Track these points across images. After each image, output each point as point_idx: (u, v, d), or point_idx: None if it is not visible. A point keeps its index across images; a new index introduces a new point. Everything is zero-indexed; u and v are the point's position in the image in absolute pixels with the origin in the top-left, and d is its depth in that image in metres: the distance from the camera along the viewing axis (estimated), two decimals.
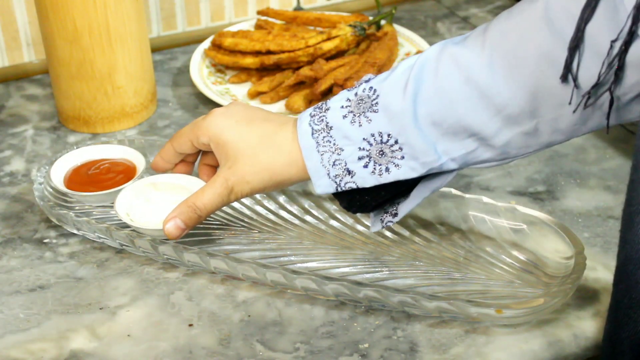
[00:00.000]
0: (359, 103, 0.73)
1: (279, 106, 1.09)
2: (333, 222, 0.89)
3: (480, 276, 0.82)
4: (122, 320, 0.79)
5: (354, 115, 0.73)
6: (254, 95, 1.11)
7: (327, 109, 0.74)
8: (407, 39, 1.21)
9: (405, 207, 0.77)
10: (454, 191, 0.89)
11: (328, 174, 0.74)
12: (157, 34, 1.27)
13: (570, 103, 0.68)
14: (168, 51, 1.24)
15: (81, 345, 0.76)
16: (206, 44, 1.19)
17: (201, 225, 0.88)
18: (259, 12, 1.24)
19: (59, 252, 0.87)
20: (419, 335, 0.77)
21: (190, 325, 0.78)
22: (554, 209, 0.92)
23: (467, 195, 0.88)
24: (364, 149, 0.73)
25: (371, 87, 0.73)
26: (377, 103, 0.72)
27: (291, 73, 1.12)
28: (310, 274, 0.78)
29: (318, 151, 0.74)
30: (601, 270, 0.84)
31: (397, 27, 1.23)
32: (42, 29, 1.02)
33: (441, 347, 0.76)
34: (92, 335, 0.77)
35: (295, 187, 0.94)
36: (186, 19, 1.27)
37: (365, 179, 0.74)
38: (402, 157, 0.73)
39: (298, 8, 1.33)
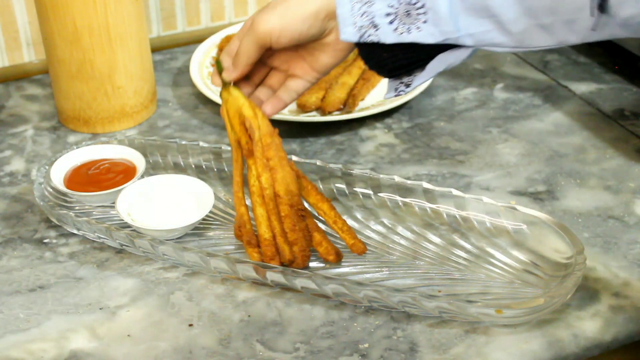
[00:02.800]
0: None
1: (291, 104, 1.09)
2: None
3: (480, 276, 0.82)
4: (122, 320, 0.79)
5: None
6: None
7: None
8: None
9: (419, 79, 0.81)
10: (454, 191, 0.89)
11: (355, 23, 0.78)
12: (157, 34, 1.27)
13: (591, 14, 0.71)
14: (168, 51, 1.24)
15: (81, 345, 0.76)
16: (206, 44, 1.19)
17: (201, 225, 0.88)
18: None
19: (59, 252, 0.87)
20: (419, 335, 0.77)
21: (190, 325, 0.78)
22: (554, 209, 0.92)
23: (467, 195, 0.88)
24: (392, 5, 0.77)
25: None
26: None
27: None
28: (310, 274, 0.78)
29: (350, 0, 0.77)
30: (601, 270, 0.84)
31: None
32: (42, 29, 1.02)
33: (441, 347, 0.76)
34: (92, 335, 0.77)
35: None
36: (186, 19, 1.27)
37: (388, 35, 0.77)
38: (425, 22, 0.76)
39: None
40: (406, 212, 0.90)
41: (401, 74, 0.82)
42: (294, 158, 0.93)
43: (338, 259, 0.84)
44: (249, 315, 0.79)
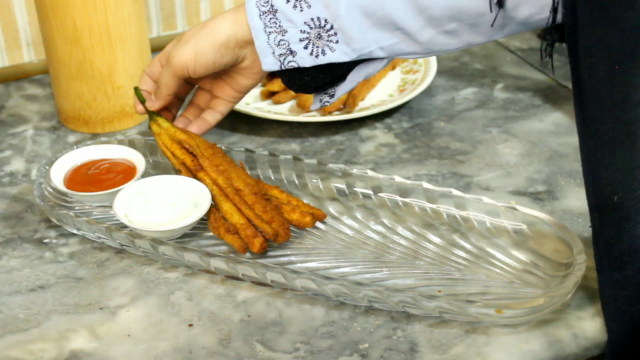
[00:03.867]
0: None
1: (291, 104, 1.10)
2: (333, 222, 0.89)
3: (480, 276, 0.82)
4: (122, 320, 0.79)
5: (296, 0, 0.80)
6: (267, 95, 1.11)
7: None
8: None
9: (341, 90, 0.85)
10: (454, 191, 0.89)
11: (273, 53, 0.82)
12: (157, 34, 1.27)
13: (490, 11, 0.76)
14: None
15: (81, 345, 0.76)
16: None
17: (200, 225, 0.88)
18: None
19: (59, 252, 0.87)
20: (419, 335, 0.77)
21: (190, 325, 0.78)
22: (554, 209, 0.92)
23: (467, 195, 0.88)
24: (304, 31, 0.81)
25: None
26: None
27: None
28: (310, 274, 0.78)
29: (265, 31, 0.81)
30: None
31: None
32: (42, 29, 1.02)
33: (441, 347, 0.76)
34: (92, 335, 0.77)
35: (294, 188, 0.94)
36: (186, 19, 1.27)
37: (305, 59, 0.82)
38: (337, 42, 0.80)
39: None
40: (406, 212, 0.90)
41: (325, 88, 0.86)
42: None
43: (314, 219, 0.87)
44: (249, 315, 0.79)
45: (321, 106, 0.87)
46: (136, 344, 0.76)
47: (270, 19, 0.81)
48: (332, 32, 0.80)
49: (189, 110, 0.93)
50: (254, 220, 0.84)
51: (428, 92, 1.15)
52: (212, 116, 0.92)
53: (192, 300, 0.81)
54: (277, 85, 1.11)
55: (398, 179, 0.91)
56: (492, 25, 0.77)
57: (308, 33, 0.80)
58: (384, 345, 0.76)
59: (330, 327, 0.78)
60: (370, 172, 0.92)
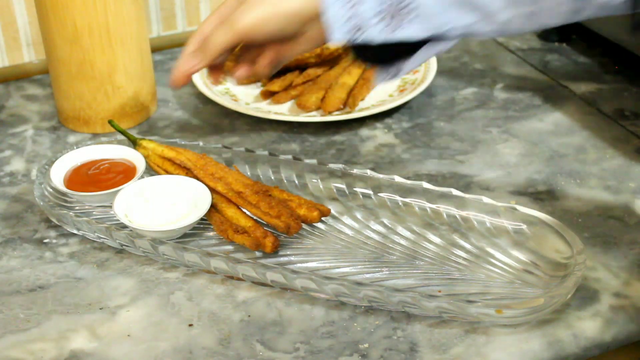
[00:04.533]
0: None
1: (291, 104, 1.10)
2: (333, 222, 0.89)
3: (480, 276, 0.82)
4: (122, 320, 0.79)
5: None
6: (267, 95, 1.12)
7: None
8: None
9: (409, 65, 0.82)
10: (454, 191, 0.89)
11: (344, 25, 0.78)
12: (157, 34, 1.27)
13: None
14: (168, 51, 1.24)
15: (81, 345, 0.76)
16: None
17: (200, 225, 0.88)
18: None
19: (59, 252, 0.87)
20: (419, 335, 0.77)
21: (190, 325, 0.78)
22: (554, 209, 0.92)
23: (467, 195, 0.88)
24: (382, 3, 0.77)
25: None
26: None
27: (299, 73, 1.13)
28: (310, 274, 0.78)
29: (337, 3, 0.78)
30: (601, 270, 0.84)
31: None
32: (42, 29, 1.02)
33: (441, 347, 0.76)
34: (92, 335, 0.77)
35: (294, 189, 0.94)
36: (186, 19, 1.27)
37: (377, 34, 0.78)
38: (413, 19, 0.77)
39: None
40: (406, 212, 0.90)
41: (390, 64, 0.83)
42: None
43: (322, 214, 0.87)
44: (249, 315, 0.79)
45: (385, 81, 0.84)
46: (136, 344, 0.76)
47: None
48: (409, 7, 0.77)
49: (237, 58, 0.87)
50: (263, 218, 0.84)
51: (428, 92, 1.15)
52: (263, 66, 0.86)
53: (192, 300, 0.81)
54: (277, 85, 1.11)
55: (398, 179, 0.91)
56: (575, 12, 0.75)
57: (385, 8, 0.77)
58: (384, 345, 0.76)
59: (330, 327, 0.78)
60: (370, 172, 0.92)
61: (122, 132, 0.93)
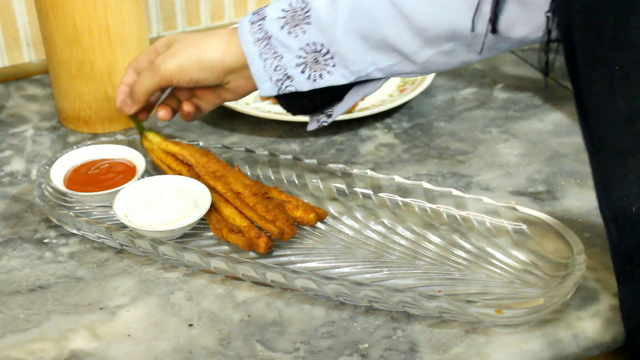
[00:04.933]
0: (293, 15, 0.80)
1: None
2: (333, 222, 0.89)
3: (480, 276, 0.82)
4: (122, 320, 0.79)
5: (290, 26, 0.80)
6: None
7: (264, 18, 0.81)
8: None
9: (338, 110, 0.85)
10: (454, 191, 0.89)
11: (270, 79, 0.82)
12: (157, 34, 1.27)
13: (485, 37, 0.77)
14: None
15: (81, 345, 0.76)
16: None
17: (200, 225, 0.88)
18: None
19: (59, 252, 0.87)
20: (419, 335, 0.77)
21: (190, 325, 0.78)
22: (554, 209, 0.92)
23: (467, 195, 0.88)
24: (300, 56, 0.80)
25: (303, 0, 0.80)
26: (309, 15, 0.79)
27: None
28: (310, 274, 0.78)
29: (261, 58, 0.81)
30: (601, 270, 0.84)
31: None
32: (42, 29, 1.02)
33: (441, 347, 0.76)
34: (92, 335, 0.77)
35: (294, 189, 0.94)
36: (186, 19, 1.27)
37: (302, 83, 0.81)
38: (334, 65, 0.80)
39: None
40: (406, 212, 0.90)
41: (322, 109, 0.86)
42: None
43: (318, 217, 0.87)
44: (249, 315, 0.79)
45: (318, 126, 0.86)
46: (136, 344, 0.76)
47: (266, 45, 0.81)
48: (328, 56, 0.80)
49: (170, 99, 0.92)
50: (257, 222, 0.84)
51: (428, 92, 1.15)
52: (189, 106, 0.91)
53: (192, 300, 0.81)
54: None
55: (398, 179, 0.91)
56: (482, 49, 0.78)
57: (304, 58, 0.80)
58: (384, 345, 0.76)
59: (330, 327, 0.78)
60: (370, 172, 0.92)
61: (135, 121, 0.92)
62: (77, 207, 0.91)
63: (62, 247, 0.88)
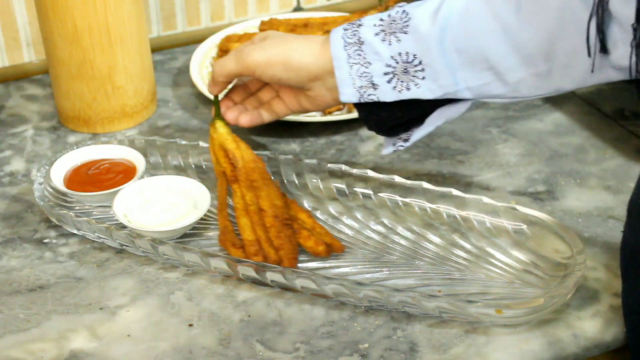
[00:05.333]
0: (391, 24, 0.78)
1: None
2: (333, 223, 0.89)
3: (480, 276, 0.82)
4: (122, 320, 0.79)
5: (385, 34, 0.78)
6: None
7: (360, 25, 0.80)
8: None
9: (418, 134, 0.83)
10: (454, 191, 0.89)
11: (354, 84, 0.80)
12: (157, 34, 1.27)
13: (589, 55, 0.73)
14: (168, 51, 1.24)
15: (81, 345, 0.76)
16: (206, 44, 1.19)
17: (200, 225, 0.88)
18: (261, 27, 1.23)
19: (59, 252, 0.87)
20: (419, 335, 0.77)
21: (190, 325, 0.78)
22: (554, 209, 0.92)
23: (467, 195, 0.88)
24: (390, 65, 0.79)
25: (404, 11, 0.78)
26: (407, 25, 0.78)
27: None
28: (310, 274, 0.78)
29: (348, 63, 0.79)
30: (601, 270, 0.84)
31: None
32: (42, 29, 1.02)
33: (441, 347, 0.76)
34: (92, 335, 0.77)
35: (295, 189, 0.94)
36: (186, 19, 1.27)
37: (387, 93, 0.80)
38: (423, 78, 0.78)
39: (298, 8, 1.33)
40: (406, 212, 0.90)
41: (399, 131, 0.84)
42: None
43: (328, 250, 0.85)
44: (249, 315, 0.79)
45: (394, 151, 0.85)
46: (136, 344, 0.76)
47: (355, 50, 0.79)
48: (419, 67, 0.78)
49: (251, 100, 0.90)
50: (262, 243, 0.83)
51: None
52: (269, 114, 0.89)
53: (192, 300, 0.81)
54: None
55: (398, 179, 0.91)
56: (592, 68, 0.74)
57: (394, 67, 0.78)
58: (384, 345, 0.76)
59: (330, 327, 0.78)
60: (370, 172, 0.92)
61: (216, 104, 0.91)
62: (77, 207, 0.91)
63: (62, 247, 0.88)
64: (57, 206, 0.90)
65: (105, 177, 0.91)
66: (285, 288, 0.81)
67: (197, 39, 1.25)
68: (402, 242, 0.87)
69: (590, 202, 0.93)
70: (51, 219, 0.89)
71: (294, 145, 1.04)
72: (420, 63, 0.78)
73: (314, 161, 0.94)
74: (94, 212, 0.91)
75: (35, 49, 1.20)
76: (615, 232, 0.88)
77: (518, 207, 0.86)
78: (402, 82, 0.79)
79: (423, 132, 0.83)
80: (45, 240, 0.89)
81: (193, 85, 1.15)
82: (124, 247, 0.85)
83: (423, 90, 0.79)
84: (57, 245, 0.88)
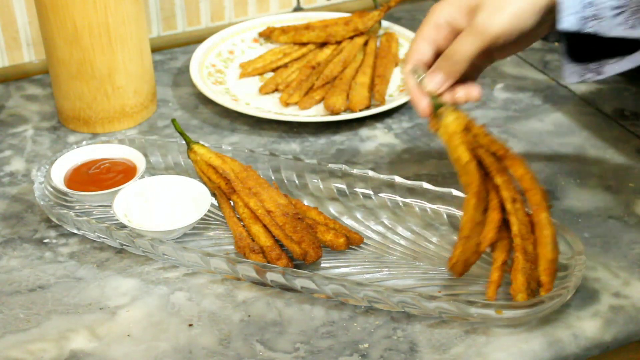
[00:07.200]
0: None
1: (318, 108, 1.09)
2: None
3: (480, 276, 0.82)
4: (122, 320, 0.79)
5: None
6: (286, 105, 1.10)
7: None
8: (407, 39, 1.21)
9: (614, 68, 0.78)
10: (454, 191, 0.89)
11: (577, 12, 0.75)
12: (157, 34, 1.27)
13: None
14: (168, 51, 1.24)
15: (81, 345, 0.76)
16: (206, 44, 1.20)
17: (201, 225, 0.88)
18: (260, 34, 1.23)
19: (59, 252, 0.87)
20: (419, 335, 0.77)
21: (190, 325, 0.78)
22: (554, 209, 0.92)
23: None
24: None
25: None
26: None
27: (313, 75, 1.13)
28: (310, 274, 0.78)
29: None
30: (601, 270, 0.84)
31: (397, 27, 1.24)
32: (42, 29, 1.02)
33: (441, 347, 0.76)
34: (92, 335, 0.77)
35: (295, 189, 0.94)
36: (186, 19, 1.27)
37: (612, 28, 0.75)
38: None
39: (298, 8, 1.33)
40: (406, 212, 0.90)
41: (588, 59, 0.79)
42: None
43: (348, 242, 0.84)
44: (249, 315, 0.79)
45: (581, 81, 0.80)
46: (136, 344, 0.76)
47: None
48: None
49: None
50: (283, 241, 0.83)
51: None
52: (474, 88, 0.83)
53: (192, 300, 0.81)
54: (296, 96, 1.10)
55: (398, 179, 0.91)
56: None
57: (626, 1, 0.74)
58: (384, 345, 0.76)
59: (330, 327, 0.78)
60: (370, 172, 0.92)
61: (181, 133, 0.92)
62: (77, 207, 0.91)
63: (62, 247, 0.88)
64: (57, 205, 0.90)
65: (105, 176, 0.91)
66: (285, 288, 0.81)
67: (197, 39, 1.25)
68: (402, 242, 0.87)
69: (590, 202, 0.93)
70: (51, 218, 0.89)
71: (294, 145, 1.04)
72: None
73: (314, 161, 0.94)
74: (94, 212, 0.91)
75: (35, 49, 1.20)
76: (615, 232, 0.88)
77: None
78: (632, 18, 0.74)
79: (621, 68, 0.78)
80: (45, 240, 0.89)
81: (193, 85, 1.15)
82: (124, 246, 0.85)
83: None
84: (57, 245, 0.88)
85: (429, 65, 0.82)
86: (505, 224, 0.78)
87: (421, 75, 0.81)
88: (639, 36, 0.74)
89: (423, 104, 0.81)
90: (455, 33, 0.80)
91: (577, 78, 0.80)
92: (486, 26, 0.76)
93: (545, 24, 0.79)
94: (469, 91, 0.82)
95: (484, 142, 0.79)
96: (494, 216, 0.77)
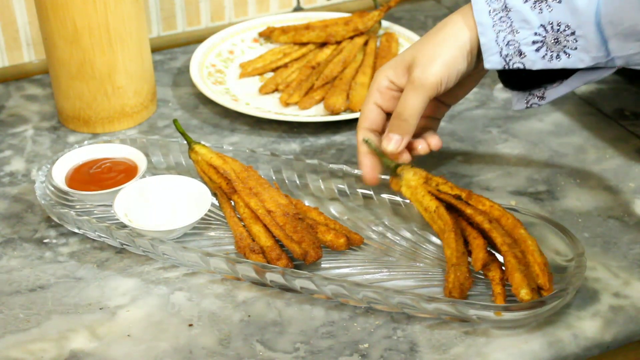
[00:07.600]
0: None
1: (318, 108, 1.09)
2: None
3: (480, 277, 0.82)
4: (122, 320, 0.79)
5: (535, 1, 0.76)
6: (286, 104, 1.10)
7: None
8: (407, 39, 1.21)
9: (555, 93, 0.81)
10: None
11: (500, 52, 0.78)
12: (157, 34, 1.27)
13: None
14: (168, 51, 1.24)
15: (81, 345, 0.76)
16: (206, 44, 1.19)
17: (201, 225, 0.88)
18: (260, 34, 1.23)
19: (59, 252, 0.87)
20: (419, 335, 0.77)
21: (190, 325, 0.78)
22: (554, 209, 0.92)
23: None
24: (539, 34, 0.77)
25: None
26: None
27: (313, 75, 1.13)
28: (309, 274, 0.78)
29: (494, 29, 0.77)
30: (601, 270, 0.84)
31: (397, 27, 1.24)
32: (42, 29, 1.02)
33: (441, 347, 0.76)
34: (92, 335, 0.77)
35: (295, 189, 0.94)
36: (186, 19, 1.27)
37: (535, 62, 0.78)
38: (575, 48, 0.77)
39: (298, 8, 1.33)
40: (406, 212, 0.90)
41: (532, 87, 0.82)
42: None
43: (348, 242, 0.84)
44: (249, 315, 0.79)
45: (527, 107, 0.83)
46: (136, 344, 0.76)
47: (501, 17, 0.77)
48: (572, 38, 0.77)
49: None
50: (283, 241, 0.83)
51: None
52: (433, 139, 0.87)
53: (192, 300, 0.81)
54: (296, 96, 1.10)
55: None
56: None
57: (543, 36, 0.77)
58: (384, 345, 0.76)
59: (330, 327, 0.78)
60: None
61: (182, 134, 0.92)
62: (78, 206, 0.91)
63: (62, 247, 0.88)
64: (58, 205, 0.90)
65: (106, 176, 0.91)
66: (285, 288, 0.81)
67: (197, 39, 1.25)
68: (402, 242, 0.87)
69: (590, 202, 0.93)
70: (52, 217, 0.89)
71: (294, 145, 1.04)
72: (573, 34, 0.76)
73: (315, 161, 0.94)
74: (94, 211, 0.91)
75: (35, 49, 1.20)
76: (615, 232, 0.88)
77: (518, 207, 0.86)
78: (552, 51, 0.77)
79: (560, 93, 0.81)
80: (46, 240, 0.89)
81: (193, 85, 1.15)
82: (124, 246, 0.85)
83: (573, 60, 0.77)
84: (57, 245, 0.88)
85: (382, 129, 0.86)
86: (490, 248, 0.81)
87: (373, 142, 0.84)
88: (560, 67, 0.78)
89: (373, 174, 0.85)
90: (400, 93, 0.84)
91: (523, 105, 0.84)
92: (422, 79, 0.80)
93: (481, 63, 0.82)
94: (429, 141, 0.87)
95: (446, 189, 0.83)
96: (478, 242, 0.79)
